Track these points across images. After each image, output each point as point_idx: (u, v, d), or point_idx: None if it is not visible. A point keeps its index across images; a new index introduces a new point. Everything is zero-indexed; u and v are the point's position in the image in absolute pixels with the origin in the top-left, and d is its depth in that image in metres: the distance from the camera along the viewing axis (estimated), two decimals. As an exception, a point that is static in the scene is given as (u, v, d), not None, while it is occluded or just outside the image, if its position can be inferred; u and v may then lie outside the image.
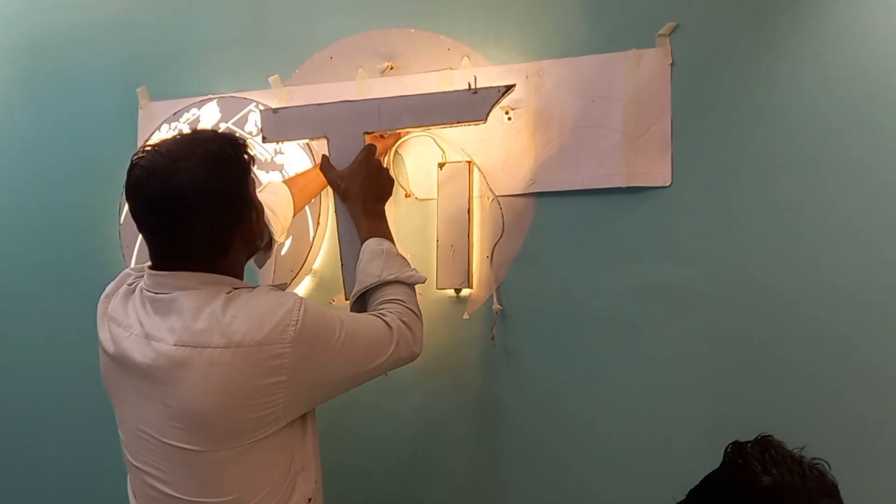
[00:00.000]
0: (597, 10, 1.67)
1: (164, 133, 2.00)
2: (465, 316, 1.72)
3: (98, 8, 2.18)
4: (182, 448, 1.23)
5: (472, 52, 1.76)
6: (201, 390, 1.20)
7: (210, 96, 1.98)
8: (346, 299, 1.55)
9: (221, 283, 1.27)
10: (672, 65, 1.60)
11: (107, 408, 1.93)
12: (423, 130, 1.70)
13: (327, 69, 1.90)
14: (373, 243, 1.47)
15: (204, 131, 1.39)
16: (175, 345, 1.22)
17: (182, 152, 1.24)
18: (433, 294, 1.72)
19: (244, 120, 1.92)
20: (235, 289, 1.27)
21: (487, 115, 1.57)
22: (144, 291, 1.29)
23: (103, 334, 1.33)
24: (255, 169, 1.35)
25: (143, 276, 1.31)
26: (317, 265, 1.85)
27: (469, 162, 1.73)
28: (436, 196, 1.75)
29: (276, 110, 1.67)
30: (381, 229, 1.51)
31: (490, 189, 1.71)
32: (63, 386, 2.13)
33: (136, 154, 1.29)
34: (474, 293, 1.72)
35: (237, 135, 1.38)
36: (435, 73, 1.78)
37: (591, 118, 1.66)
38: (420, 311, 1.45)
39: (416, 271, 1.48)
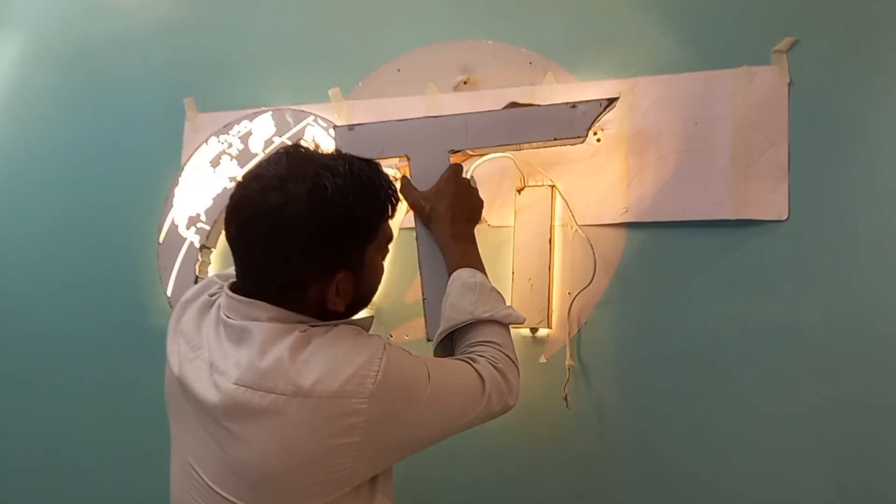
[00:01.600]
0: (700, 23, 1.51)
1: (212, 147, 1.85)
2: (543, 360, 1.53)
3: (145, 14, 2.06)
4: (231, 502, 1.04)
5: (557, 66, 1.60)
6: (261, 444, 1.01)
7: (263, 109, 1.82)
8: (428, 339, 1.36)
9: (297, 320, 1.07)
10: (790, 84, 1.42)
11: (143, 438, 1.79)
12: (504, 151, 1.53)
13: (394, 82, 1.74)
14: (464, 274, 1.28)
15: (336, 156, 1.11)
16: (236, 383, 1.02)
17: (292, 172, 1.05)
18: (506, 333, 1.52)
19: (300, 135, 1.76)
20: (313, 326, 1.07)
21: (588, 131, 1.39)
22: (220, 311, 1.11)
23: (171, 347, 1.15)
24: (392, 226, 1.16)
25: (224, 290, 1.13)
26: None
27: (552, 186, 1.55)
28: (512, 223, 1.58)
29: (351, 126, 1.50)
30: (473, 257, 1.32)
31: (573, 217, 1.53)
32: (92, 413, 1.96)
33: None
34: (553, 333, 1.53)
35: (375, 179, 1.11)
36: (514, 88, 1.61)
37: (694, 141, 1.48)
38: (516, 356, 1.25)
39: (514, 309, 1.29)
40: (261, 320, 1.06)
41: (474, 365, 1.17)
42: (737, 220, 1.42)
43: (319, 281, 1.07)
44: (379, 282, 1.20)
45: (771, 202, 1.41)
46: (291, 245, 1.04)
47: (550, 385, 1.51)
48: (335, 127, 1.49)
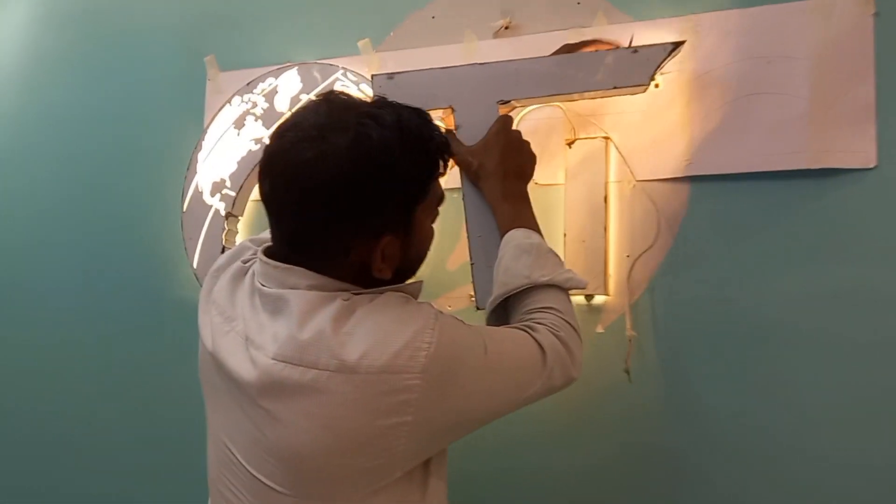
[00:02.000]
0: (771, -50, 1.35)
1: (235, 107, 1.73)
2: (600, 329, 1.40)
3: (162, -32, 1.93)
4: (269, 487, 0.95)
5: (608, 5, 1.45)
6: (301, 425, 0.91)
7: (288, 64, 1.70)
8: (478, 308, 1.24)
9: (339, 288, 0.97)
10: (876, 15, 1.26)
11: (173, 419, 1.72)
12: (556, 101, 1.39)
13: (428, 31, 1.60)
14: (519, 235, 1.16)
15: (382, 104, 1.00)
16: (274, 358, 0.92)
17: (334, 121, 0.94)
18: (558, 301, 1.40)
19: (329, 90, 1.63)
20: (356, 294, 0.96)
21: (651, 79, 1.25)
22: (255, 278, 1.01)
23: (203, 320, 1.05)
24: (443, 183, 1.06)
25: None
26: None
27: (606, 138, 1.41)
28: (562, 180, 1.44)
29: (391, 75, 1.37)
30: (526, 217, 1.21)
31: (631, 172, 1.39)
32: (116, 392, 1.87)
33: None
34: (611, 301, 1.40)
35: (426, 131, 1.00)
36: (562, 31, 1.46)
37: (766, 83, 1.32)
38: (578, 323, 1.13)
39: (574, 273, 1.17)
40: (299, 288, 0.96)
41: (534, 334, 1.06)
42: (817, 170, 1.27)
43: (363, 245, 0.97)
44: (429, 247, 1.09)
45: (856, 148, 1.26)
46: (331, 204, 0.93)
47: (608, 358, 1.38)
48: (373, 76, 1.37)
